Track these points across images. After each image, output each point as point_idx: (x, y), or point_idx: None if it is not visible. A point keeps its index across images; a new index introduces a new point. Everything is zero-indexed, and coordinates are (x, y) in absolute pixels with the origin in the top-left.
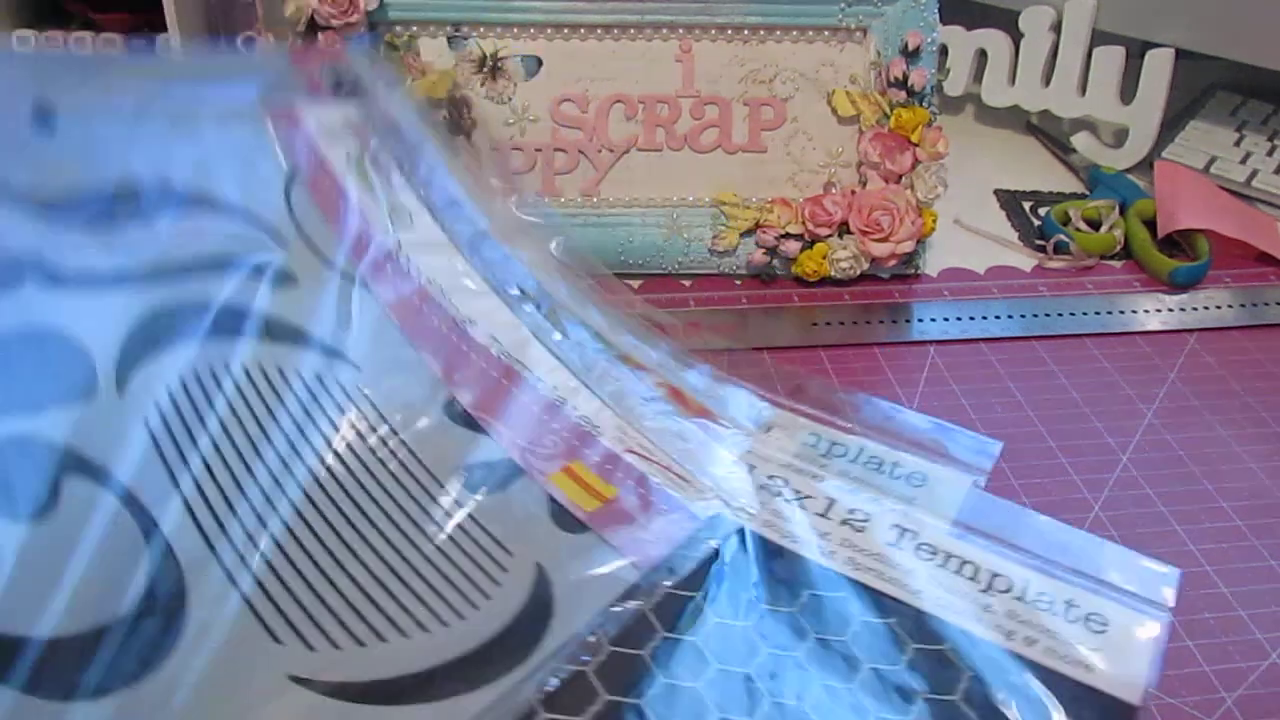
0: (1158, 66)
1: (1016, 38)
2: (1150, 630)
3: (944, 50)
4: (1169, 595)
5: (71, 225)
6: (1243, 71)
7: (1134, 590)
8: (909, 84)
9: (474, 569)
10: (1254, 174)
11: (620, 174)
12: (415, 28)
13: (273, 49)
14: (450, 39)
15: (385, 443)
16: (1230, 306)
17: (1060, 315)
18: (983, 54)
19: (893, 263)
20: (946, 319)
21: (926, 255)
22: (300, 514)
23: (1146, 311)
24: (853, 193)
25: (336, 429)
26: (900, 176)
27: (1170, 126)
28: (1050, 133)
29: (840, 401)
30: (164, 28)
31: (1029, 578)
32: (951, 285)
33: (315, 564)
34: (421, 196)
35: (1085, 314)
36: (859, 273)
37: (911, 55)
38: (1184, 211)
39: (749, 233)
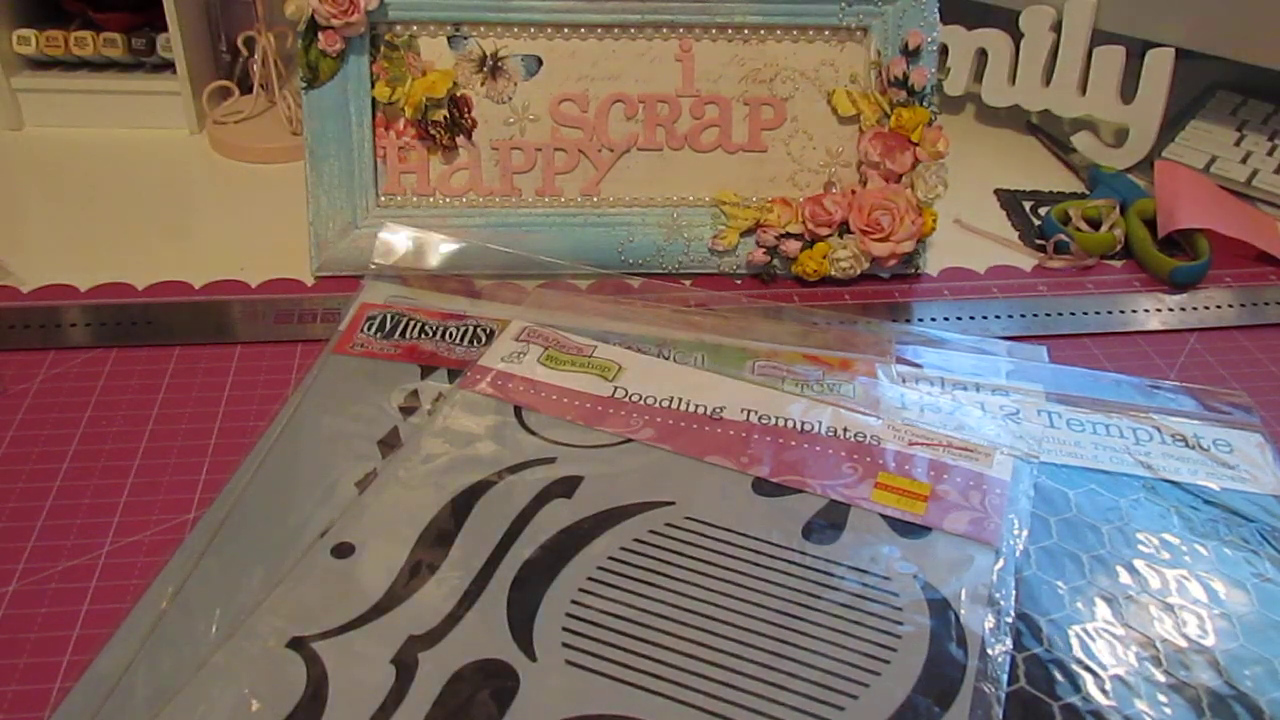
0: (1158, 66)
1: (1017, 37)
2: None
3: (944, 50)
4: None
5: None
6: (1243, 71)
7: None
8: (909, 83)
9: (874, 615)
10: (1254, 173)
11: (620, 173)
12: (415, 27)
13: None
14: (450, 38)
15: (756, 552)
16: (1230, 306)
17: (1060, 315)
18: (983, 53)
19: (893, 262)
20: (947, 318)
21: (927, 255)
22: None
23: (1146, 311)
24: (853, 192)
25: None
26: (900, 176)
27: (1170, 126)
28: (1050, 132)
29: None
30: (164, 27)
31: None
32: (952, 285)
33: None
34: None
35: (1085, 313)
36: (859, 272)
37: (912, 54)
38: (1184, 211)
39: (749, 232)
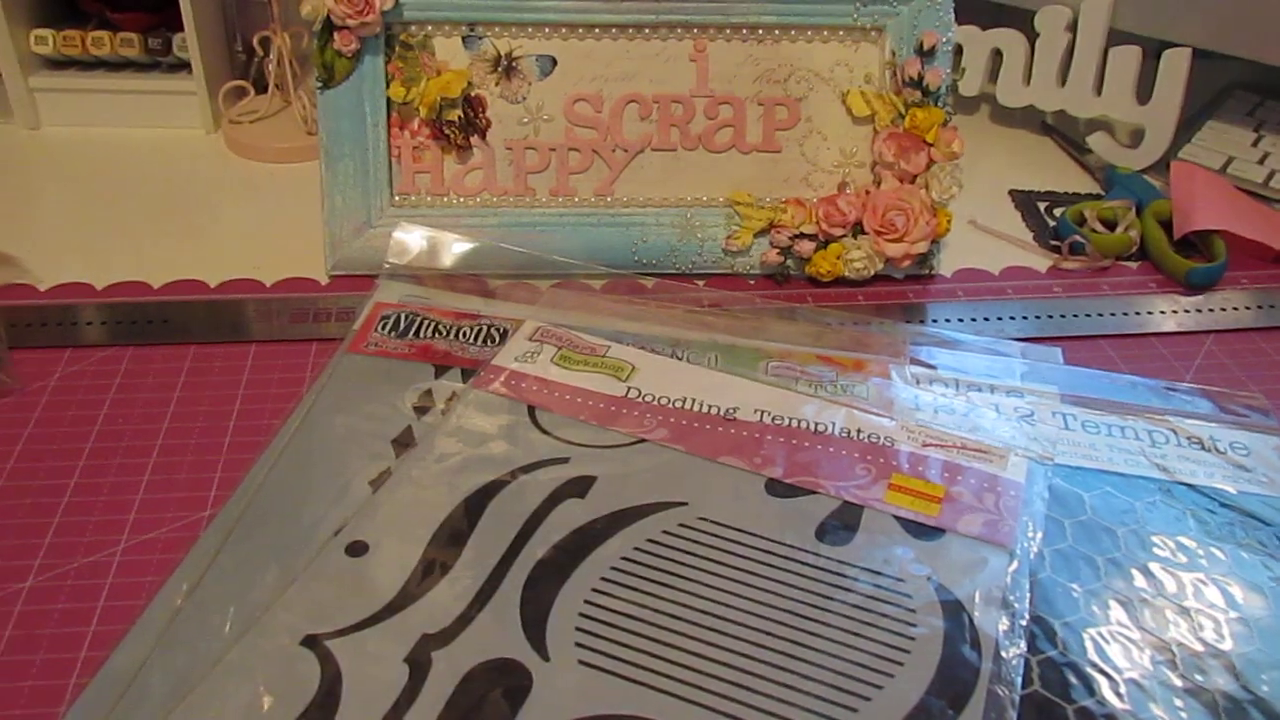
0: (1174, 66)
1: (1032, 37)
2: None
3: (959, 50)
4: None
5: None
6: (1260, 71)
7: None
8: (924, 83)
9: (888, 617)
10: (1271, 174)
11: (634, 174)
12: (430, 27)
13: None
14: (465, 38)
15: (769, 553)
16: (1247, 308)
17: (1075, 316)
18: (998, 53)
19: (907, 263)
20: (961, 320)
21: (941, 255)
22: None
23: (1162, 313)
24: (867, 193)
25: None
26: (915, 176)
27: (1187, 126)
28: (1066, 133)
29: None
30: (180, 27)
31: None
32: (966, 286)
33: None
34: None
35: (1101, 315)
36: (873, 273)
37: (927, 55)
38: (1200, 212)
39: (763, 232)
